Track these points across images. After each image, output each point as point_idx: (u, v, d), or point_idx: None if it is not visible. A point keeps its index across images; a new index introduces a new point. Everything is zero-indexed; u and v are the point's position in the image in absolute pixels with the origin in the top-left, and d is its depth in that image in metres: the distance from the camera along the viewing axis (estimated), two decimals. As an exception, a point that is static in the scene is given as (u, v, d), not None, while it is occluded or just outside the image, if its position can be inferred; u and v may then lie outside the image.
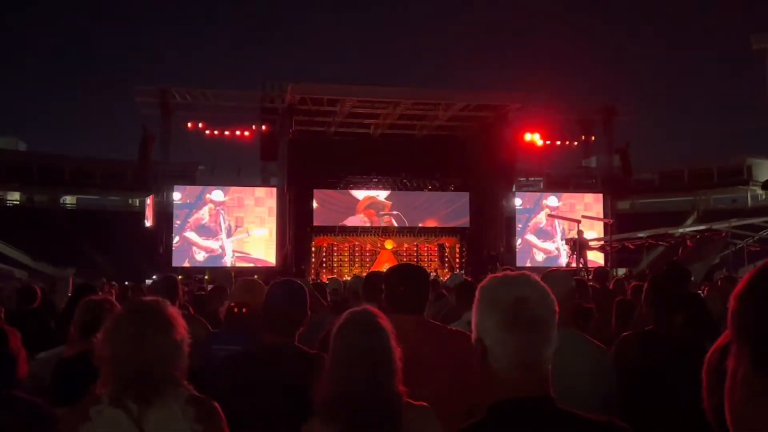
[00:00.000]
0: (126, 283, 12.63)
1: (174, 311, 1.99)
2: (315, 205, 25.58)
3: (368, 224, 26.51)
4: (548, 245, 26.37)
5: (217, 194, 24.66)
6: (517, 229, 26.17)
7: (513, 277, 1.54)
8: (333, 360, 1.93)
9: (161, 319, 1.93)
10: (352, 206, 26.03)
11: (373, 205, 26.52)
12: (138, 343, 1.87)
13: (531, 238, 26.36)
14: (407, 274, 2.86)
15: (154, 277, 19.59)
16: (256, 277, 6.38)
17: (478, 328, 1.50)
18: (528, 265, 25.16)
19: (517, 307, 1.45)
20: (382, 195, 26.55)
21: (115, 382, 1.86)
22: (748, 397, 0.81)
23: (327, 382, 1.90)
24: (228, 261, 24.26)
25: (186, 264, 23.75)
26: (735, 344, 0.85)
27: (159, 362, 1.87)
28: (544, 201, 26.82)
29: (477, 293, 1.54)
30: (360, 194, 26.26)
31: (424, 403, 2.01)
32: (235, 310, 3.64)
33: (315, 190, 25.72)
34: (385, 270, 3.24)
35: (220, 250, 24.47)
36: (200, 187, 25.62)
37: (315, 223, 25.78)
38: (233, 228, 24.59)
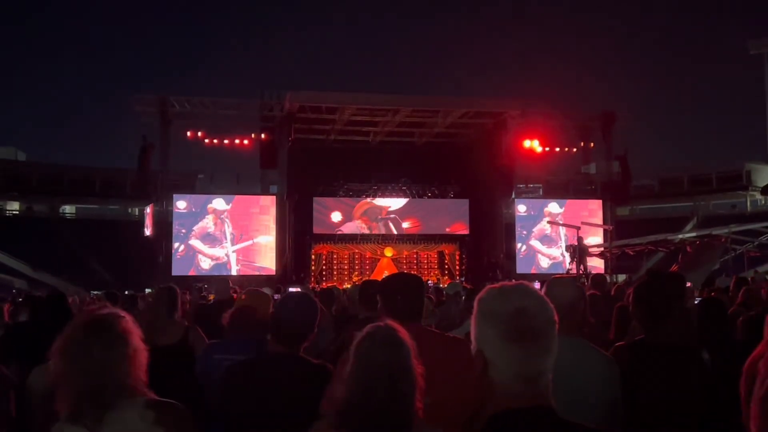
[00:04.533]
0: (126, 292, 12.61)
1: (126, 323, 2.00)
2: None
3: (366, 231, 26.58)
4: (553, 251, 26.36)
5: (221, 203, 24.69)
6: (522, 235, 26.19)
7: (511, 288, 1.53)
8: (353, 372, 1.90)
9: (109, 333, 1.94)
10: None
11: (368, 211, 26.57)
12: (85, 358, 1.89)
13: (535, 243, 26.36)
14: (403, 283, 2.86)
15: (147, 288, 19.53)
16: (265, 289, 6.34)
17: (478, 340, 1.49)
18: (533, 271, 25.18)
19: (517, 318, 1.45)
20: (381, 203, 26.64)
21: (68, 398, 1.89)
22: None
23: (344, 391, 1.89)
24: (233, 269, 24.27)
25: (191, 272, 23.74)
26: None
27: (107, 376, 1.89)
28: (548, 207, 26.84)
29: (475, 304, 1.53)
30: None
31: (437, 424, 1.99)
32: (240, 316, 3.67)
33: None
34: (381, 279, 3.24)
35: (225, 258, 24.48)
36: (205, 196, 25.64)
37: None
38: (238, 236, 24.61)
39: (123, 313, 2.05)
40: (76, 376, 1.88)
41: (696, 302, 4.85)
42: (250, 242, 24.65)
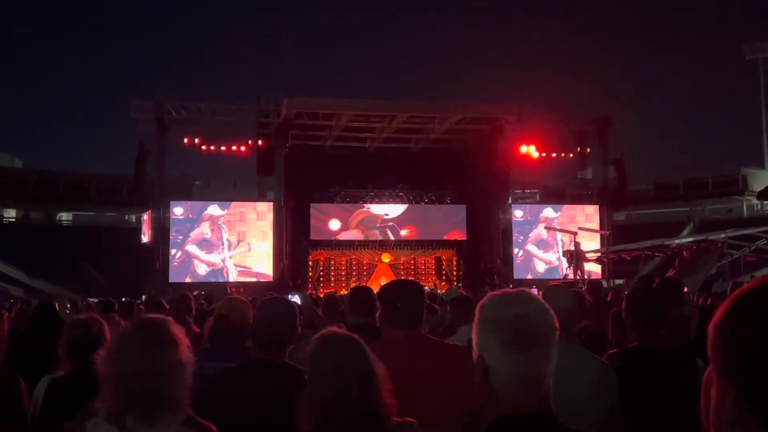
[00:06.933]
0: (123, 299, 12.56)
1: (178, 330, 1.97)
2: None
3: (362, 239, 26.57)
4: (549, 256, 26.38)
5: (217, 209, 24.66)
6: (519, 240, 26.21)
7: (513, 295, 1.54)
8: (311, 390, 1.86)
9: (166, 337, 1.91)
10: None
11: (364, 220, 26.54)
12: (143, 360, 1.85)
13: (532, 248, 26.37)
14: (403, 290, 2.86)
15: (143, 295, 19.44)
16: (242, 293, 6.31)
17: (479, 346, 1.49)
18: (529, 277, 25.19)
19: (518, 324, 1.45)
20: (377, 209, 26.63)
21: (115, 398, 1.84)
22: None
23: (313, 403, 1.86)
24: (230, 275, 24.22)
25: (188, 279, 23.68)
26: (717, 377, 0.80)
27: (162, 381, 1.85)
28: (545, 212, 26.88)
29: (477, 311, 1.53)
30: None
31: (411, 419, 1.98)
32: (220, 325, 3.68)
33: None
34: (380, 285, 3.23)
35: (222, 264, 24.44)
36: (202, 202, 25.58)
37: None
38: (235, 242, 24.58)
39: (170, 319, 2.03)
40: (131, 376, 1.83)
41: (693, 307, 4.85)
42: (246, 248, 24.63)
